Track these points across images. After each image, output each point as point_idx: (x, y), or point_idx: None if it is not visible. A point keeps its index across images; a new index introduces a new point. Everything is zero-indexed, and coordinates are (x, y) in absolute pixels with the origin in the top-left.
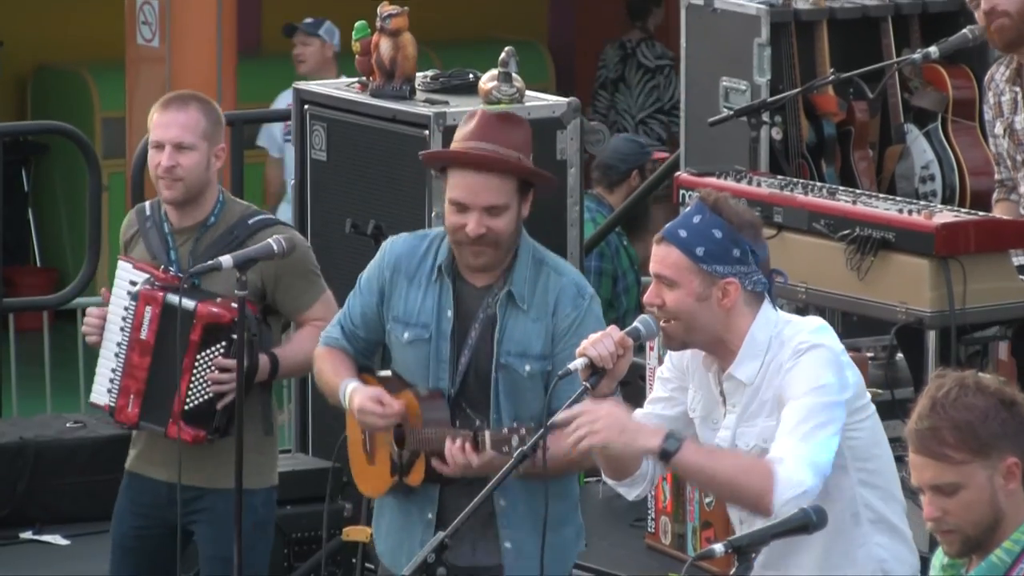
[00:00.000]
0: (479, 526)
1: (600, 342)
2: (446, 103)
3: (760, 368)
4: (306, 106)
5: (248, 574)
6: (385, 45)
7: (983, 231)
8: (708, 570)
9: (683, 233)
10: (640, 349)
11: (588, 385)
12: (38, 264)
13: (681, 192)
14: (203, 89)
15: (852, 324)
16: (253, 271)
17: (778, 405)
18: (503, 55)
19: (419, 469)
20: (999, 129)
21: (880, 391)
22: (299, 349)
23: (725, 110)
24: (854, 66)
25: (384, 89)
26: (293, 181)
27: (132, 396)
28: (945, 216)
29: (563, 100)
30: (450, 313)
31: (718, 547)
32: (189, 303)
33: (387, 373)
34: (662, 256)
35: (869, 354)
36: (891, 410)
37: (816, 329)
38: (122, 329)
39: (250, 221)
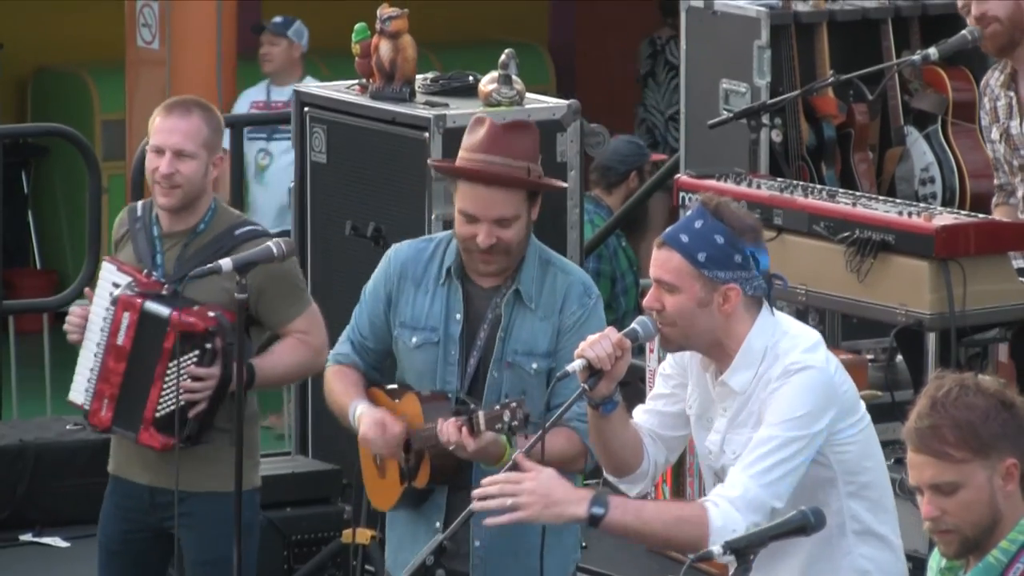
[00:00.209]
0: (482, 531)
1: (598, 343)
2: (446, 105)
3: (753, 378)
4: (306, 108)
5: None
6: (385, 47)
7: (983, 233)
8: (707, 572)
9: (684, 238)
10: (640, 351)
11: (586, 387)
12: (38, 266)
13: (681, 194)
14: (202, 92)
15: (852, 326)
16: (235, 282)
17: (760, 421)
18: (503, 57)
19: (424, 470)
20: (995, 134)
21: (880, 393)
22: (278, 361)
23: (725, 112)
24: (854, 68)
25: (384, 91)
26: (292, 184)
27: (106, 400)
28: (945, 218)
29: (563, 102)
30: (459, 316)
31: (717, 549)
32: (164, 310)
33: (394, 387)
34: (663, 261)
35: (869, 356)
36: (891, 412)
37: (810, 347)
38: (102, 330)
39: (237, 232)
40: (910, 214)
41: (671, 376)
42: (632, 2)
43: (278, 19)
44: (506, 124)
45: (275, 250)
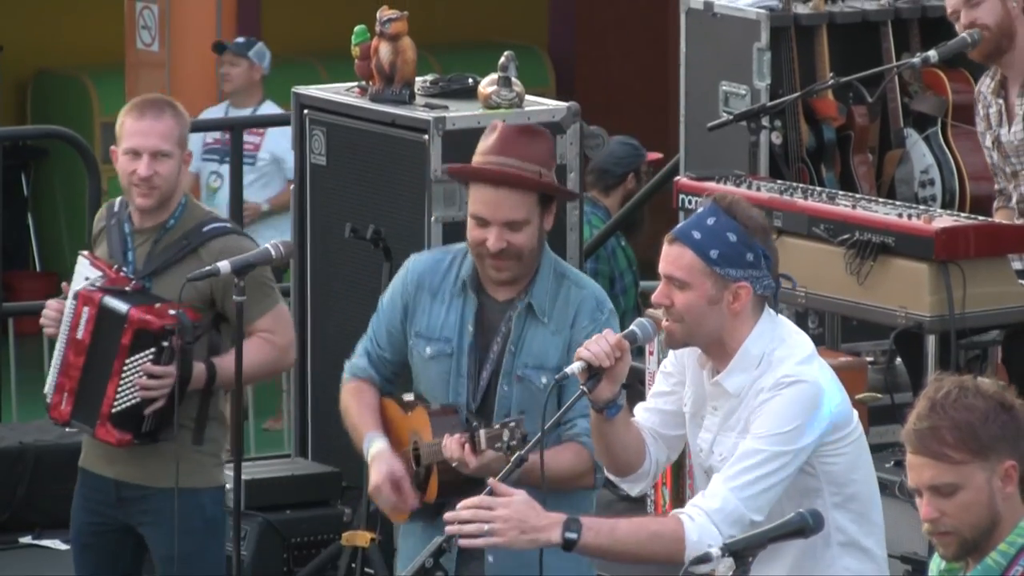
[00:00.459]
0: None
1: (595, 343)
2: (445, 107)
3: (747, 383)
4: (305, 111)
5: (203, 574)
6: (384, 49)
7: (982, 235)
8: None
9: (697, 235)
10: (640, 353)
11: (585, 388)
12: (38, 269)
13: (680, 196)
14: (202, 94)
15: (851, 328)
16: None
17: (747, 429)
18: (503, 59)
19: (433, 484)
20: (988, 141)
21: (879, 395)
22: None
23: (725, 114)
24: (854, 70)
25: (383, 93)
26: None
27: (66, 394)
28: (944, 220)
29: (563, 105)
30: (471, 328)
31: (715, 550)
32: (122, 307)
33: (410, 397)
34: (675, 257)
35: (868, 358)
36: (890, 414)
37: (804, 359)
38: (67, 326)
39: (204, 229)
40: (910, 216)
41: (671, 374)
42: (632, 4)
43: (240, 40)
44: (519, 128)
45: (274, 252)
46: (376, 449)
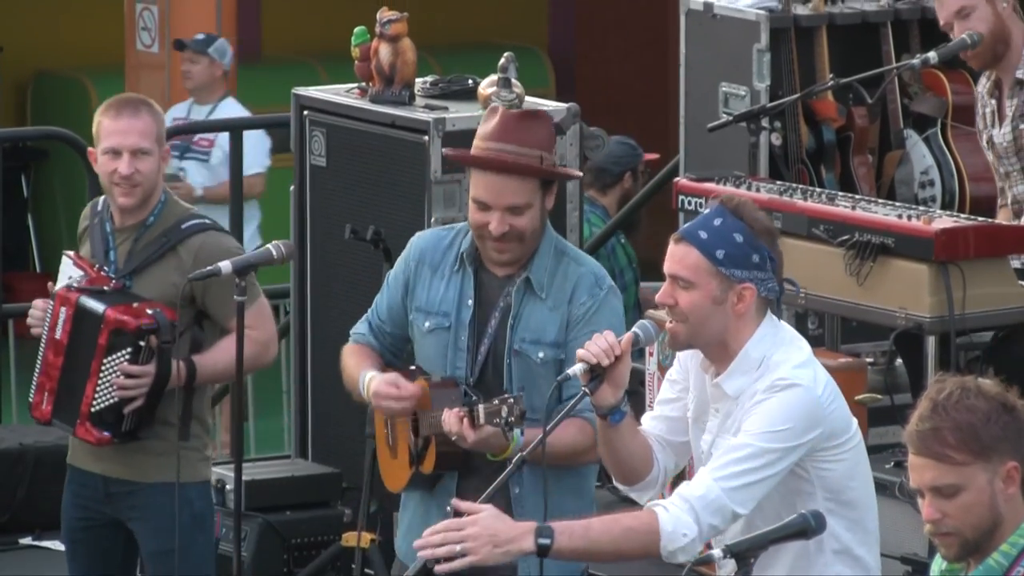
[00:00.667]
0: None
1: (593, 342)
2: (445, 109)
3: (746, 386)
4: (305, 112)
5: (191, 569)
6: (384, 50)
7: (982, 236)
8: (707, 575)
9: (703, 235)
10: (640, 355)
11: (587, 389)
12: (38, 270)
13: (680, 197)
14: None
15: (851, 329)
16: (182, 275)
17: (740, 431)
18: (502, 61)
19: (431, 456)
20: (984, 141)
21: (879, 396)
22: (219, 356)
23: (724, 116)
24: (853, 71)
25: (383, 95)
26: (293, 187)
27: (46, 393)
28: (944, 221)
29: (562, 106)
30: (470, 302)
31: (716, 552)
32: (98, 307)
33: (412, 368)
34: (680, 256)
35: (868, 359)
36: (890, 415)
37: (800, 364)
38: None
39: (183, 225)
40: (910, 217)
41: (676, 381)
42: (631, 5)
43: (199, 36)
44: (519, 113)
45: (275, 253)
46: (371, 374)
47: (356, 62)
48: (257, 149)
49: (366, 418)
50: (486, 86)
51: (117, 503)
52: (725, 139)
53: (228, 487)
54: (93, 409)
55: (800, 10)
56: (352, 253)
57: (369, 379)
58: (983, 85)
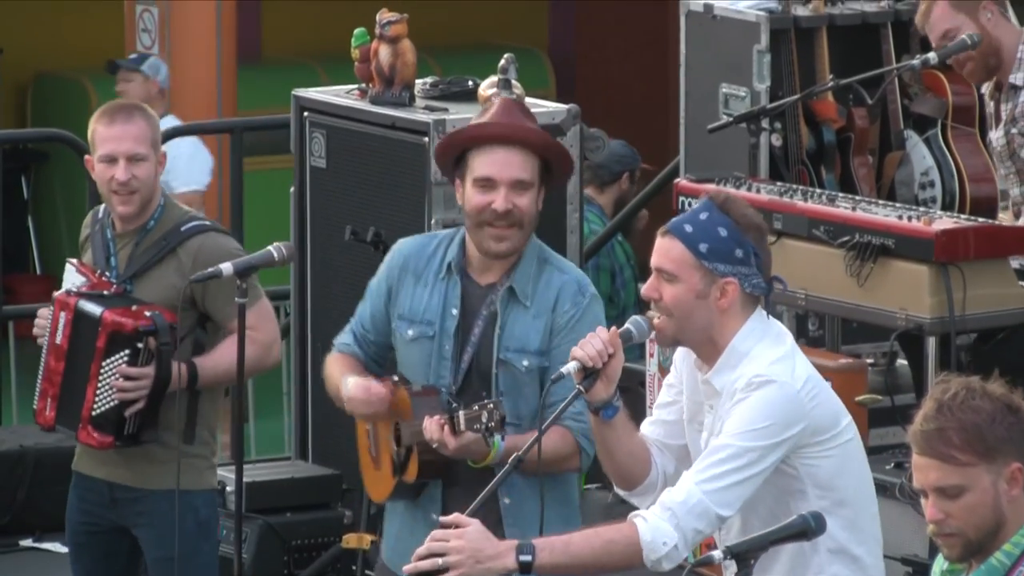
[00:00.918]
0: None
1: (588, 343)
2: (445, 110)
3: (731, 381)
4: (305, 113)
5: None
6: (384, 52)
7: (982, 237)
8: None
9: (688, 228)
10: (640, 356)
11: (582, 388)
12: (38, 272)
13: (680, 198)
14: (202, 96)
15: (852, 330)
16: (182, 277)
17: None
18: (503, 62)
19: (413, 465)
20: (986, 142)
21: (880, 397)
22: (220, 358)
23: (725, 116)
24: (853, 72)
25: (383, 96)
26: (292, 188)
27: (49, 399)
28: (944, 222)
29: (563, 107)
30: (455, 311)
31: (716, 553)
32: (96, 310)
33: (395, 378)
34: (665, 250)
35: (869, 360)
36: (891, 416)
37: (777, 359)
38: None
39: (183, 228)
40: (910, 218)
41: (673, 385)
42: (631, 6)
43: (132, 56)
44: (516, 101)
45: (276, 254)
46: (350, 381)
47: (356, 63)
48: (193, 166)
49: None
50: (486, 87)
51: (122, 509)
52: (725, 140)
53: (228, 489)
54: (94, 413)
55: (800, 11)
56: (352, 254)
57: (346, 385)
58: (986, 86)
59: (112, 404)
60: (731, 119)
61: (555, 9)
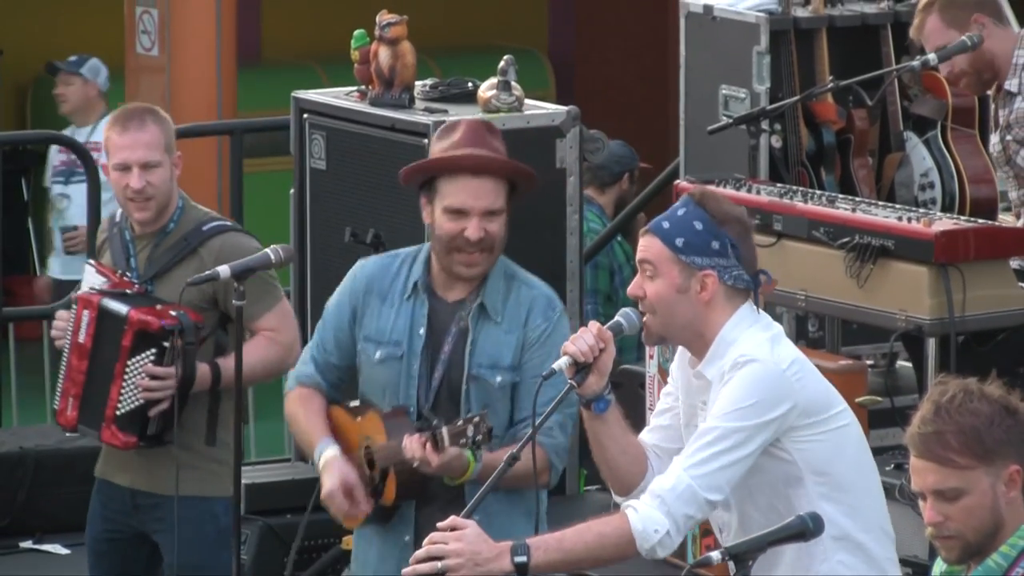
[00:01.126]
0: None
1: (579, 338)
2: (445, 112)
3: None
4: (305, 115)
5: None
6: (384, 54)
7: (982, 238)
8: None
9: (666, 224)
10: (641, 357)
11: (574, 383)
12: (38, 273)
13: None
14: (202, 98)
15: (852, 331)
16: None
17: None
18: (502, 63)
19: (391, 487)
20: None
21: (880, 399)
22: (246, 359)
23: (724, 118)
24: (853, 74)
25: (383, 98)
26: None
27: (71, 399)
28: (944, 224)
29: (562, 108)
30: (423, 330)
31: (715, 554)
32: (121, 308)
33: (355, 404)
34: (645, 247)
35: (869, 362)
36: (891, 418)
37: (760, 342)
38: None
39: (204, 228)
40: (910, 219)
41: (671, 392)
42: (631, 8)
43: (72, 58)
44: (483, 123)
45: (273, 257)
46: (328, 456)
47: (356, 65)
48: None
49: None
50: (486, 89)
51: (143, 515)
52: (725, 141)
53: None
54: (118, 412)
55: (800, 12)
56: (352, 256)
57: (326, 461)
58: (992, 89)
59: (137, 404)
60: (731, 120)
61: (555, 10)
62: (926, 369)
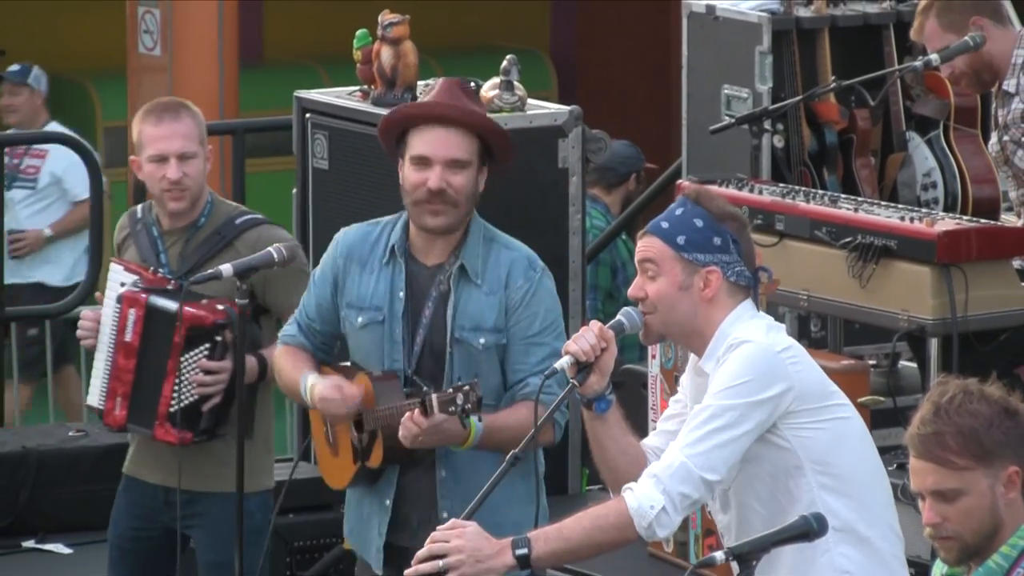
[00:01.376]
0: (424, 507)
1: (581, 337)
2: None
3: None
4: (307, 115)
5: None
6: (386, 53)
7: (985, 238)
8: None
9: (665, 224)
10: (643, 357)
11: (575, 382)
12: None
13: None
14: (204, 98)
15: (854, 331)
16: None
17: None
18: (505, 63)
19: (378, 450)
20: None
21: (882, 399)
22: None
23: (727, 118)
24: (856, 74)
25: (385, 97)
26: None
27: (119, 398)
28: (947, 224)
29: (565, 108)
30: (402, 294)
31: (719, 554)
32: (171, 305)
33: (346, 364)
34: (645, 247)
35: (871, 362)
36: (893, 418)
37: (757, 328)
38: (112, 330)
39: (237, 221)
40: (912, 219)
41: (680, 400)
42: (633, 7)
43: (15, 67)
44: (458, 80)
45: (276, 255)
46: (312, 379)
47: (358, 65)
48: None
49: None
50: (488, 89)
51: (176, 511)
52: (727, 141)
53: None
54: (172, 409)
55: (802, 12)
56: None
57: (311, 384)
58: (994, 87)
59: (191, 400)
60: (733, 120)
61: (557, 10)
62: (929, 369)
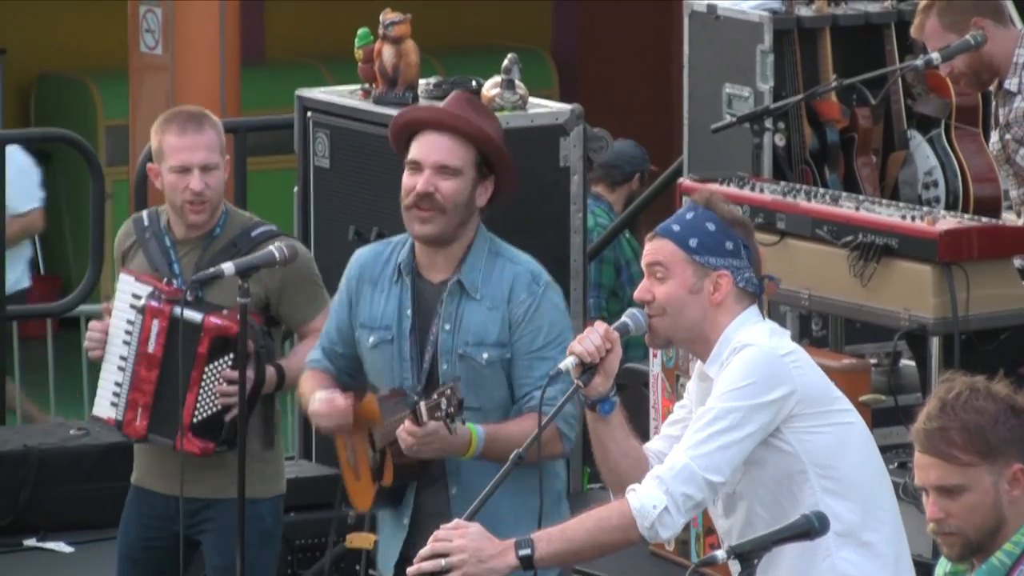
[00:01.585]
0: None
1: (586, 338)
2: None
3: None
4: (309, 113)
5: None
6: (388, 52)
7: (986, 237)
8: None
9: (676, 227)
10: (644, 356)
11: (580, 383)
12: (41, 272)
13: (684, 199)
14: (206, 97)
15: (855, 330)
16: (256, 282)
17: None
18: (506, 62)
19: (388, 468)
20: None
21: (883, 397)
22: (303, 361)
23: (728, 117)
24: (857, 72)
25: (387, 96)
26: (299, 190)
27: (140, 409)
28: (948, 222)
29: (566, 107)
30: (409, 312)
31: (720, 553)
32: (196, 316)
33: (361, 389)
34: (655, 250)
35: (872, 360)
36: (894, 416)
37: (762, 332)
38: (126, 343)
39: (253, 233)
40: (913, 218)
41: (684, 405)
42: (635, 6)
43: None
44: (467, 94)
45: (277, 255)
46: (318, 395)
47: (359, 64)
48: (26, 184)
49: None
50: (490, 87)
51: (188, 519)
52: (729, 140)
53: None
54: (196, 420)
55: (803, 11)
56: None
57: (312, 401)
58: (993, 87)
59: (214, 410)
60: (734, 119)
61: (558, 9)
62: (930, 368)
